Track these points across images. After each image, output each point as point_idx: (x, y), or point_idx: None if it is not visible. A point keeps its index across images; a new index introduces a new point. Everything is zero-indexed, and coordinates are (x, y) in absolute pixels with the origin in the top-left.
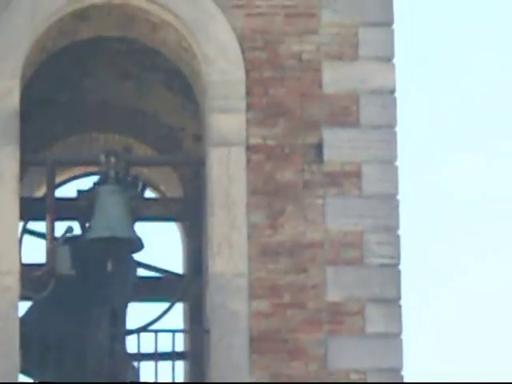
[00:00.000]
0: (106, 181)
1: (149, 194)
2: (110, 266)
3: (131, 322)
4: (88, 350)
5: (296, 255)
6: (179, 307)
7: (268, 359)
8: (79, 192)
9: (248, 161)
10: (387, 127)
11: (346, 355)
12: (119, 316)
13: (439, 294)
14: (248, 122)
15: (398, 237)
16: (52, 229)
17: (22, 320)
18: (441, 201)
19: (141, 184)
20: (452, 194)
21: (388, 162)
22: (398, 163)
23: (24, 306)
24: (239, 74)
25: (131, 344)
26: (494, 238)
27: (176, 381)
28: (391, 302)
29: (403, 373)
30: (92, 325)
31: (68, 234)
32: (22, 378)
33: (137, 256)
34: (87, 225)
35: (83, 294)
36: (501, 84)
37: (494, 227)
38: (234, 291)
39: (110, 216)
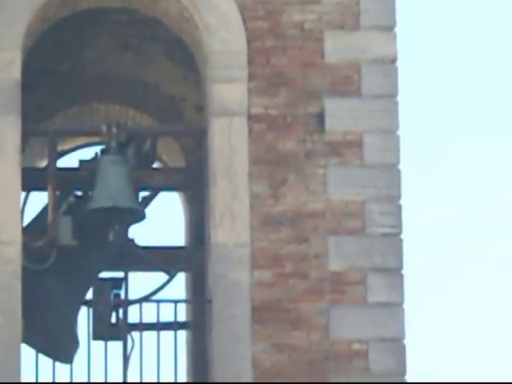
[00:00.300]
0: (108, 151)
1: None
2: (111, 236)
3: (133, 292)
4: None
5: (298, 225)
6: (181, 277)
7: (270, 329)
8: (81, 162)
9: (250, 130)
10: (389, 97)
11: (348, 325)
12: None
13: (441, 262)
14: (250, 91)
15: (399, 206)
16: (54, 199)
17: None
18: (442, 170)
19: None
20: (454, 163)
21: (389, 132)
22: (399, 133)
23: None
24: (241, 43)
25: (133, 314)
26: (499, 206)
27: (178, 357)
28: (393, 272)
29: (405, 342)
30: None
31: (69, 204)
32: (24, 348)
33: (138, 226)
34: (89, 195)
35: (84, 264)
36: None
37: (499, 196)
38: (236, 261)
39: (111, 186)
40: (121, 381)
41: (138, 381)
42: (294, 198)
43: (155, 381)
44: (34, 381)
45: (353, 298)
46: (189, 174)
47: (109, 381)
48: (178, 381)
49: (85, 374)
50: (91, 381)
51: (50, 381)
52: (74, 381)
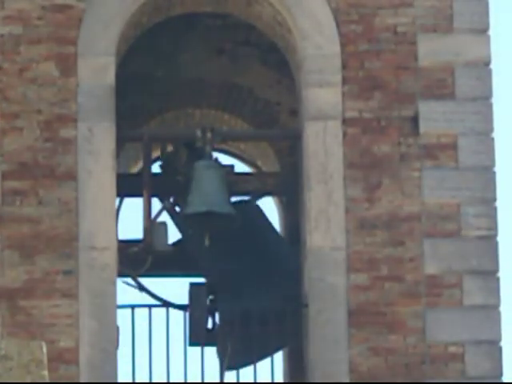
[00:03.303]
0: (203, 156)
1: (245, 168)
2: (207, 242)
3: None
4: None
5: (393, 228)
6: None
7: (366, 333)
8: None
9: (344, 134)
10: (483, 99)
11: (445, 328)
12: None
13: None
14: (344, 95)
15: (494, 209)
16: (149, 205)
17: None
18: None
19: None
20: None
21: (484, 134)
22: (494, 135)
23: (121, 283)
24: (335, 47)
25: None
26: None
27: (274, 361)
28: (489, 274)
29: (501, 344)
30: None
31: (164, 210)
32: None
33: None
34: (184, 200)
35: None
36: None
37: None
38: (332, 265)
39: (206, 191)
40: None
41: None
42: (389, 202)
43: None
44: None
45: (449, 301)
46: (283, 178)
47: None
48: None
49: (181, 379)
50: None
51: None
52: None
